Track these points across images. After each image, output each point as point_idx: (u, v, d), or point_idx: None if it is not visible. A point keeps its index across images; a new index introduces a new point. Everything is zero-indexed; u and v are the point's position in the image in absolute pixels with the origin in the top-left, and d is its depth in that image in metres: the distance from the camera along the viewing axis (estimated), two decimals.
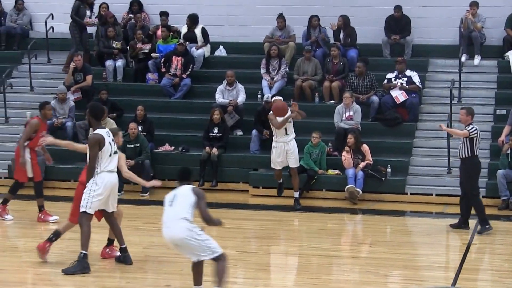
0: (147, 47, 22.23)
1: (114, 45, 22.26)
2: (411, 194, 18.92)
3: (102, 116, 13.30)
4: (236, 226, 16.21)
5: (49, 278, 12.23)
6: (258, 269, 13.29)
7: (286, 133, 17.65)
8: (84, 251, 12.11)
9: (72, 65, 21.27)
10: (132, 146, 18.95)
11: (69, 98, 20.67)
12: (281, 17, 22.03)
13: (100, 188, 12.00)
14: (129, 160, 18.21)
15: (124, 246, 12.63)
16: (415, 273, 13.14)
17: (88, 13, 22.72)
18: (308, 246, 15.02)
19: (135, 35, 22.43)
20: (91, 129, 12.82)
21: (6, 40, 23.54)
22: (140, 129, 19.54)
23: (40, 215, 16.07)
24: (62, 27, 23.13)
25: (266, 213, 17.82)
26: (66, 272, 11.99)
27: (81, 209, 12.21)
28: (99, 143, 12.09)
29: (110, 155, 12.16)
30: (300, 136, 18.88)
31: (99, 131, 12.09)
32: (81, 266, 12.06)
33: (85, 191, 12.21)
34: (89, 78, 21.24)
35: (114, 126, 17.21)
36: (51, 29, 23.29)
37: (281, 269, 13.66)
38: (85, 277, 11.85)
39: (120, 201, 13.62)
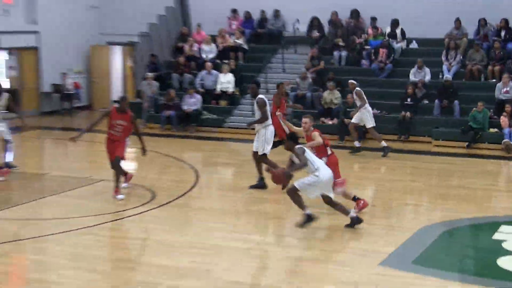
0: (362, 41, 22.79)
1: (339, 43, 22.90)
2: None
3: None
4: (423, 166, 16.89)
5: None
6: (438, 195, 13.98)
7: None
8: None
9: (310, 54, 22.50)
10: (351, 110, 18.93)
11: (308, 76, 21.77)
12: (457, 21, 22.12)
13: None
14: (347, 120, 18.84)
15: None
16: None
17: None
18: (473, 182, 15.06)
19: (353, 34, 22.97)
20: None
21: (268, 37, 24.25)
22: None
23: None
24: (304, 28, 23.65)
25: (443, 158, 17.80)
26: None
27: None
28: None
29: None
30: (470, 105, 19.45)
31: None
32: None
33: None
34: (321, 63, 22.14)
35: None
36: (297, 30, 23.75)
37: (458, 197, 13.64)
38: None
39: None
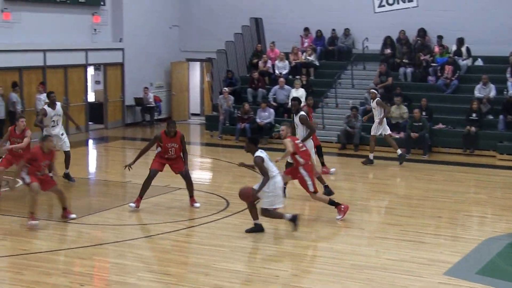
0: (429, 58, 22.36)
1: (405, 60, 22.62)
2: None
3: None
4: (488, 179, 16.59)
5: None
6: (503, 206, 13.64)
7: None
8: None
9: (378, 70, 22.14)
10: (417, 124, 19.28)
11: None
12: None
13: None
14: (414, 133, 19.23)
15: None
16: None
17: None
18: None
19: (420, 51, 22.65)
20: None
21: (338, 54, 24.17)
22: (423, 113, 19.91)
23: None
24: (373, 46, 23.46)
25: (507, 172, 17.38)
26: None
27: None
28: None
29: None
30: None
31: None
32: None
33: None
34: (390, 79, 21.78)
35: None
36: (366, 47, 23.60)
37: None
38: None
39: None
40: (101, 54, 24.11)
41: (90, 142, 22.23)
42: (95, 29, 24.03)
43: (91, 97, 24.75)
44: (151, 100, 25.46)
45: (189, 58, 27.34)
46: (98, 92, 25.30)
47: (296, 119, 14.04)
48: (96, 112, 24.32)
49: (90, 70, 24.87)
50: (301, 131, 13.90)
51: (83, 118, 23.45)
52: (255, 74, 23.28)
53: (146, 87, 25.45)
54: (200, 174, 16.34)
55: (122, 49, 24.88)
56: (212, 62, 24.79)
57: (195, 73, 27.96)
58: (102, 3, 24.07)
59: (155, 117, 25.68)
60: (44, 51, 21.77)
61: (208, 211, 12.70)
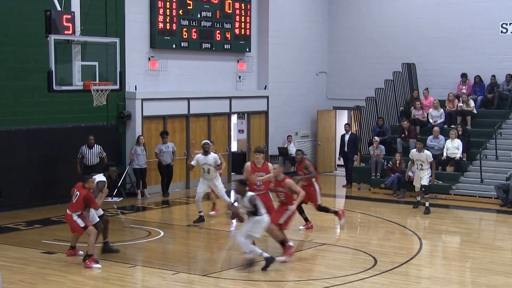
0: None
1: None
2: None
3: None
4: None
5: None
6: None
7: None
8: None
9: None
10: None
11: None
12: None
13: None
14: None
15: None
16: None
17: None
18: None
19: None
20: None
21: (498, 102, 23.57)
22: None
23: None
24: None
25: None
26: None
27: None
28: None
29: None
30: None
31: None
32: None
33: None
34: None
35: None
36: None
37: None
38: None
39: None
40: (245, 102, 24.70)
41: (232, 193, 22.65)
42: (239, 76, 24.74)
43: (233, 146, 25.28)
44: (294, 149, 25.67)
45: (336, 106, 27.52)
46: (241, 141, 25.85)
47: None
48: (239, 162, 24.75)
49: (234, 119, 25.47)
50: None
51: (226, 167, 23.94)
52: (405, 123, 23.04)
53: (289, 136, 25.77)
54: (347, 230, 16.24)
55: (266, 97, 25.39)
56: (360, 110, 24.78)
57: (342, 121, 28.00)
58: (247, 50, 24.79)
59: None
60: (188, 99, 22.62)
61: (355, 269, 12.62)
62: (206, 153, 16.70)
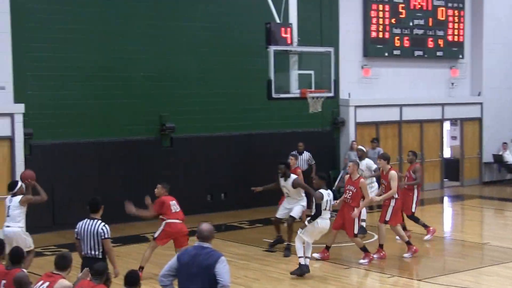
0: None
1: None
2: None
3: None
4: None
5: None
6: None
7: None
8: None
9: None
10: None
11: None
12: None
13: None
14: None
15: None
16: None
17: None
18: None
19: None
20: None
21: None
22: None
23: None
24: None
25: None
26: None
27: None
28: None
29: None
30: None
31: None
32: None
33: None
34: None
35: None
36: None
37: None
38: None
39: None
40: (458, 109, 24.22)
41: (445, 199, 22.31)
42: (452, 83, 24.27)
43: (446, 153, 24.87)
44: (510, 157, 24.75)
45: None
46: (454, 148, 25.36)
47: None
48: (451, 169, 24.36)
49: (446, 125, 25.05)
50: None
51: (438, 174, 23.70)
52: None
53: (505, 143, 24.85)
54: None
55: (480, 103, 24.70)
56: None
57: None
58: (460, 56, 24.26)
59: None
60: (401, 105, 22.57)
61: None
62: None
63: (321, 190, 12.21)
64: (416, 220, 15.29)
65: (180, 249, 10.23)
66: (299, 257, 12.25)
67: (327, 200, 12.22)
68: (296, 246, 12.36)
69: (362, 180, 13.29)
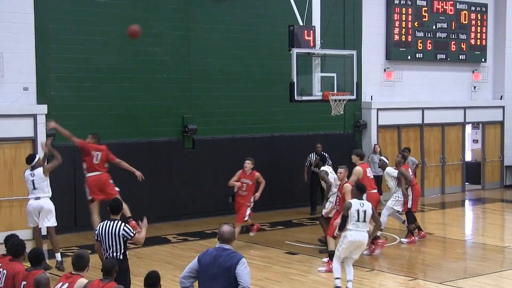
0: None
1: None
2: None
3: None
4: None
5: None
6: None
7: None
8: None
9: None
10: None
11: None
12: None
13: None
14: None
15: None
16: None
17: None
18: None
19: None
20: None
21: None
22: None
23: None
24: None
25: None
26: None
27: None
28: None
29: None
30: None
31: None
32: None
33: None
34: None
35: None
36: None
37: None
38: None
39: None
40: (480, 112, 24.04)
41: (467, 202, 22.10)
42: (474, 87, 24.06)
43: (468, 156, 24.66)
44: None
45: None
46: (475, 151, 25.14)
47: None
48: (473, 172, 24.15)
49: (468, 129, 24.85)
50: None
51: (460, 177, 23.52)
52: None
53: None
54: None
55: (502, 107, 24.48)
56: None
57: None
58: (483, 60, 24.04)
59: None
60: (423, 108, 22.40)
61: None
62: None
63: (352, 200, 11.39)
64: (411, 219, 15.16)
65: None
66: (335, 278, 11.39)
67: (358, 210, 11.11)
68: (334, 266, 11.52)
69: (346, 185, 12.74)
